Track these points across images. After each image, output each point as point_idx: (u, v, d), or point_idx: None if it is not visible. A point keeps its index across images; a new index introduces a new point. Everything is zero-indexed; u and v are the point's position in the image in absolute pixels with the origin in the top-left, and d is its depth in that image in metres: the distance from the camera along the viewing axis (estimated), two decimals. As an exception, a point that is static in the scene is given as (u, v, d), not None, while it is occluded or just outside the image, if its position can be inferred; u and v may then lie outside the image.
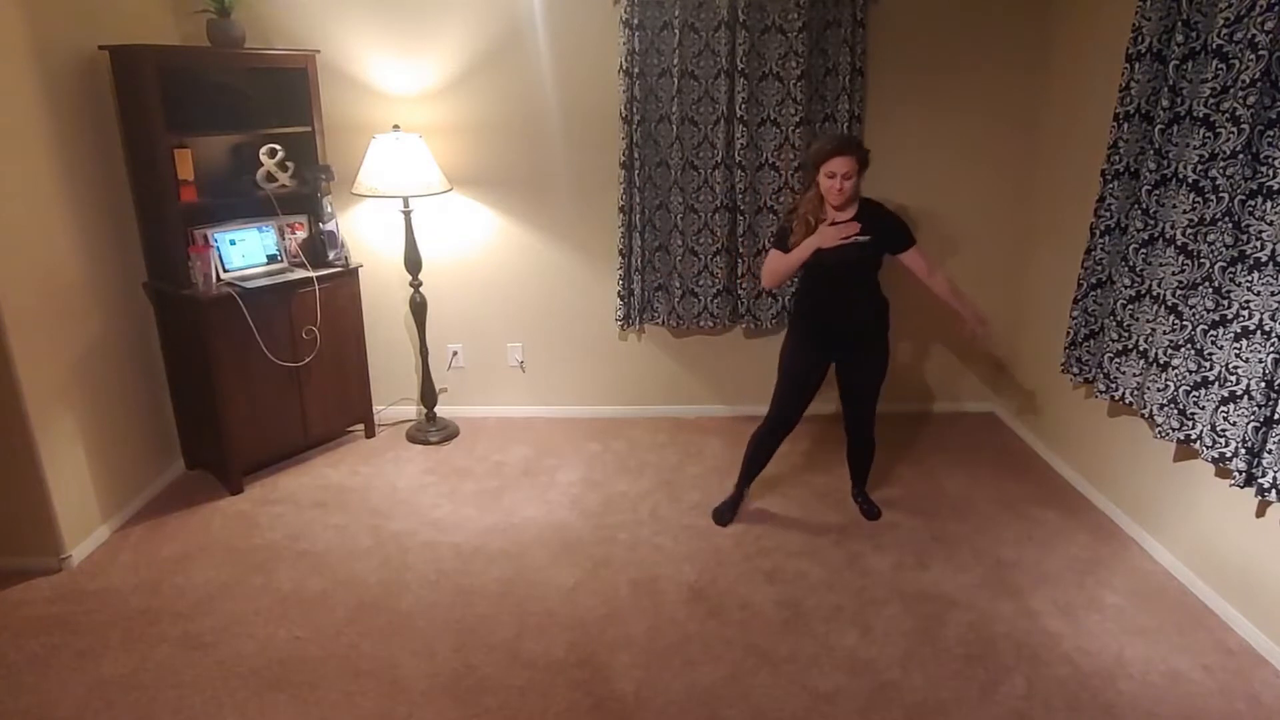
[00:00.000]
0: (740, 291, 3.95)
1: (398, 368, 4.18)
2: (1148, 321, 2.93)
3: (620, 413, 4.17)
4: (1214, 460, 2.59)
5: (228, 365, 3.35)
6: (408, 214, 3.71)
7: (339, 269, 3.66)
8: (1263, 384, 2.40)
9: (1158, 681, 2.43)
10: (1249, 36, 2.41)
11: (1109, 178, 3.06)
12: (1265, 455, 2.42)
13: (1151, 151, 2.83)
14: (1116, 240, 3.09)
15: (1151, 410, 2.88)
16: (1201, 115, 2.62)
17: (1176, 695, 2.38)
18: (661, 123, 3.75)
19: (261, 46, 3.57)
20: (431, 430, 4.02)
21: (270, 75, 3.54)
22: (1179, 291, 2.77)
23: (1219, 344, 2.58)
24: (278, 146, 3.51)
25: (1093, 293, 3.21)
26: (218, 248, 3.41)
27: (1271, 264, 2.39)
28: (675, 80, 3.64)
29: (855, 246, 2.82)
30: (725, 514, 3.26)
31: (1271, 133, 2.40)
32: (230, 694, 2.38)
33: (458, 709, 2.33)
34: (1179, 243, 2.75)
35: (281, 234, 3.62)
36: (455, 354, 4.20)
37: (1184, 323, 2.72)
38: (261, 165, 3.47)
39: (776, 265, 2.96)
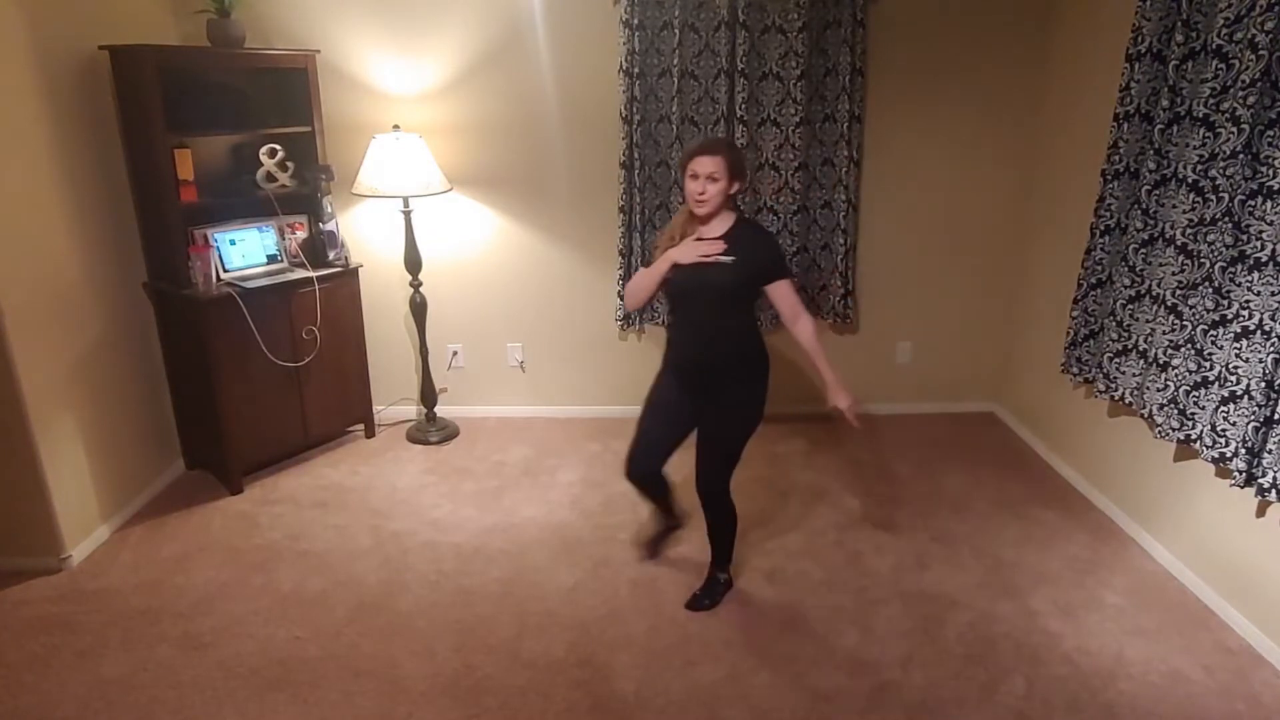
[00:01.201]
0: (740, 291, 3.94)
1: (398, 368, 4.18)
2: (1148, 321, 2.93)
3: (620, 413, 4.17)
4: (1214, 460, 2.59)
5: (228, 365, 3.34)
6: (408, 214, 3.71)
7: (339, 269, 3.66)
8: (1263, 384, 2.40)
9: (1158, 681, 2.43)
10: (1249, 36, 2.41)
11: (1109, 178, 3.06)
12: (1265, 455, 2.42)
13: (1151, 151, 2.83)
14: (1116, 240, 3.09)
15: (1151, 410, 2.88)
16: (1201, 115, 2.62)
17: (1176, 695, 2.38)
18: (661, 123, 3.75)
19: (261, 46, 3.57)
20: (431, 430, 4.02)
21: (270, 75, 3.54)
22: (1179, 291, 2.77)
23: (1219, 344, 2.58)
24: (278, 146, 3.51)
25: (1093, 293, 3.21)
26: (218, 248, 3.41)
27: (1271, 264, 2.39)
28: (675, 80, 3.64)
29: (715, 268, 2.43)
30: (651, 551, 2.99)
31: (1271, 133, 2.40)
32: (230, 694, 2.38)
33: (458, 709, 2.33)
34: (1179, 243, 2.75)
35: (281, 234, 3.62)
36: (455, 354, 4.20)
37: (1184, 323, 2.72)
38: (261, 165, 3.47)
39: (634, 281, 2.60)
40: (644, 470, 2.70)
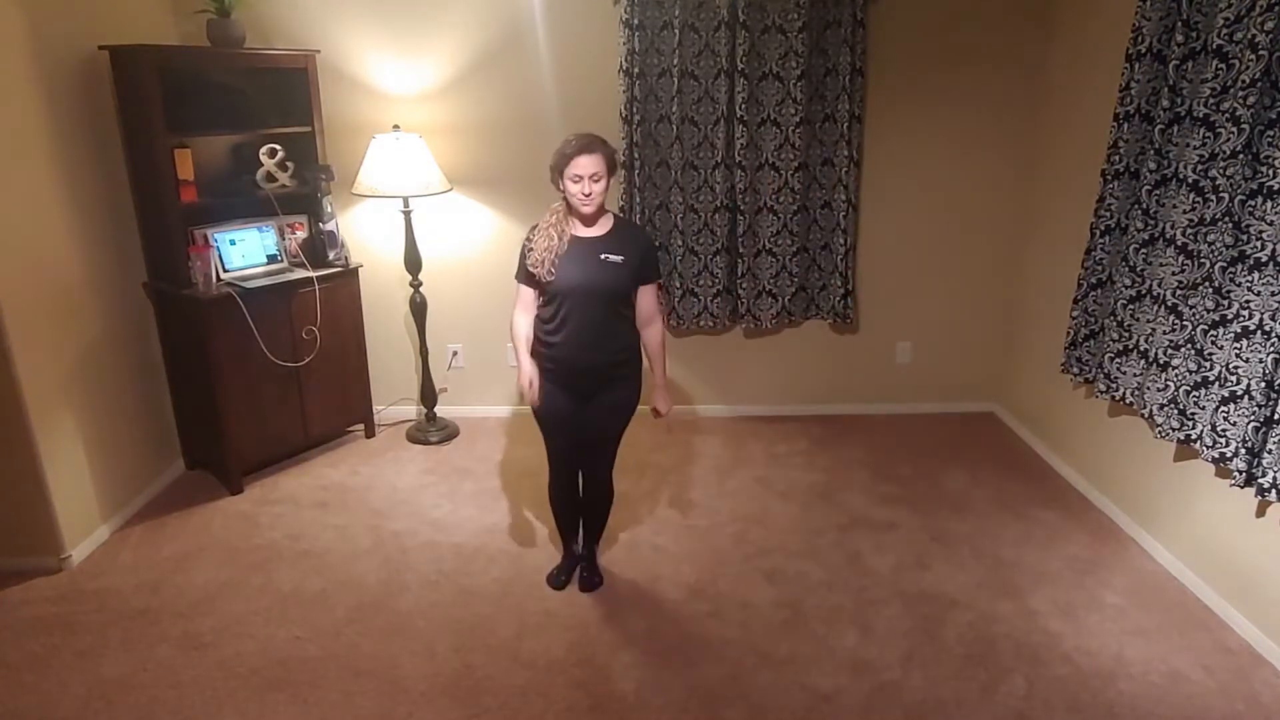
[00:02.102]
0: (740, 291, 3.94)
1: (398, 368, 4.18)
2: (1148, 321, 2.93)
3: (620, 413, 4.17)
4: (1214, 460, 2.59)
5: (228, 365, 3.34)
6: (408, 214, 3.71)
7: (339, 269, 3.66)
8: (1263, 384, 2.40)
9: (1158, 681, 2.43)
10: (1249, 36, 2.41)
11: (1109, 178, 3.06)
12: (1265, 455, 2.42)
13: (1151, 151, 2.83)
14: (1116, 240, 3.09)
15: (1151, 410, 2.88)
16: (1201, 115, 2.62)
17: (1176, 695, 2.38)
18: (661, 123, 3.75)
19: (261, 46, 3.57)
20: (431, 430, 4.02)
21: (270, 75, 3.54)
22: (1179, 291, 2.77)
23: (1219, 344, 2.58)
24: (278, 146, 3.51)
25: (1093, 293, 3.21)
26: (218, 248, 3.41)
27: (1271, 264, 2.39)
28: (675, 80, 3.64)
29: (607, 268, 2.46)
30: (560, 577, 2.87)
31: (1271, 133, 2.40)
32: (230, 694, 2.38)
33: (458, 709, 2.33)
34: (1179, 243, 2.75)
35: (281, 234, 3.62)
36: (455, 354, 4.20)
37: (1184, 323, 2.72)
38: (261, 165, 3.47)
39: (515, 335, 2.61)
40: (571, 482, 2.76)
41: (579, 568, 2.89)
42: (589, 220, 2.50)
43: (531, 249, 2.51)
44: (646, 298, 2.59)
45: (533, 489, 3.55)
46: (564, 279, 2.46)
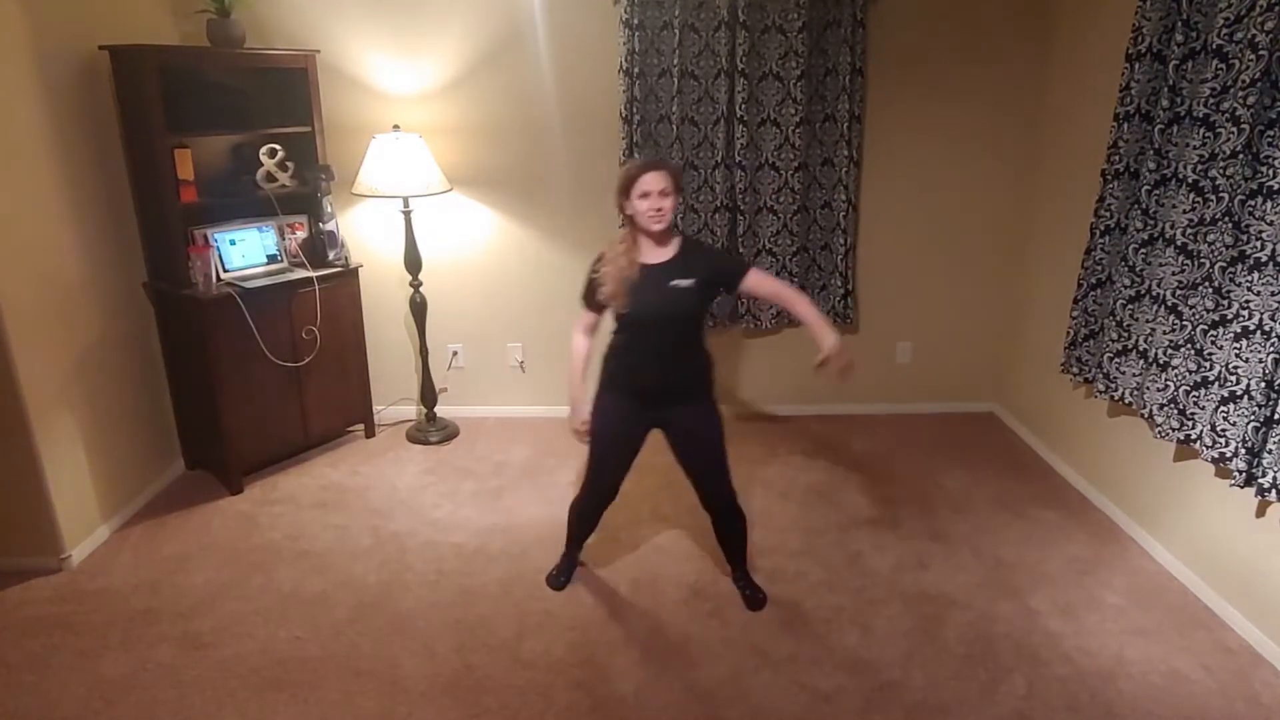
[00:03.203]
0: (740, 291, 3.94)
1: (398, 368, 4.18)
2: (1147, 321, 2.93)
3: (620, 413, 4.17)
4: (1214, 460, 2.59)
5: (228, 365, 3.34)
6: (408, 214, 3.71)
7: (339, 269, 3.66)
8: (1263, 384, 2.40)
9: (1158, 681, 2.43)
10: (1249, 36, 2.41)
11: (1109, 178, 3.06)
12: (1265, 455, 2.42)
13: (1151, 151, 2.83)
14: (1116, 240, 3.09)
15: (1151, 410, 2.88)
16: (1201, 115, 2.62)
17: (1176, 695, 2.38)
18: (661, 123, 3.75)
19: (261, 46, 3.57)
20: (431, 430, 4.02)
21: (270, 75, 3.54)
22: (1179, 291, 2.77)
23: (1219, 344, 2.58)
24: (278, 146, 3.51)
25: (1093, 293, 3.21)
26: (218, 248, 3.41)
27: (1271, 264, 2.39)
28: (675, 80, 3.64)
29: (676, 294, 2.41)
30: (559, 579, 2.87)
31: (1271, 133, 2.40)
32: (230, 694, 2.38)
33: (458, 709, 2.33)
34: (1179, 243, 2.75)
35: (281, 234, 3.62)
36: (455, 354, 4.20)
37: (1184, 323, 2.72)
38: (261, 165, 3.47)
39: (572, 357, 2.60)
40: (608, 499, 2.75)
41: (742, 587, 2.82)
42: (658, 241, 2.44)
43: (601, 281, 2.48)
44: (758, 286, 2.49)
45: (533, 489, 3.55)
46: (635, 309, 2.43)
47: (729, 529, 2.77)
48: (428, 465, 3.77)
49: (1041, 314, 3.87)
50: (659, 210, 2.36)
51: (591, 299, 2.56)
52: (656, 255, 2.46)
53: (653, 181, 2.35)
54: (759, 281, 2.50)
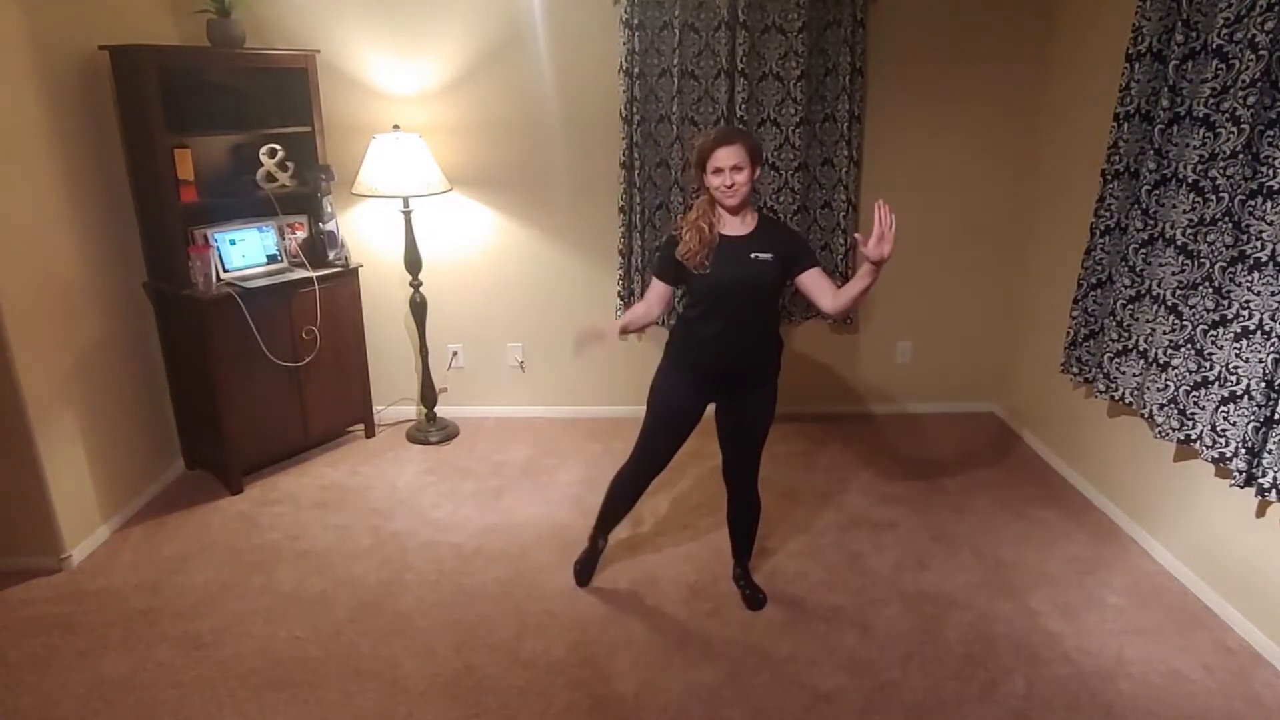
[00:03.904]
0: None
1: (398, 368, 4.18)
2: (1148, 321, 2.93)
3: (620, 413, 4.17)
4: (1214, 460, 2.59)
5: (228, 365, 3.34)
6: (408, 214, 3.71)
7: (339, 269, 3.66)
8: (1263, 384, 2.40)
9: (1158, 681, 2.43)
10: (1249, 36, 2.41)
11: (1109, 178, 3.06)
12: (1265, 455, 2.42)
13: (1151, 151, 2.83)
14: (1116, 240, 3.09)
15: (1151, 410, 2.88)
16: (1201, 115, 2.62)
17: (1176, 695, 2.38)
18: (661, 123, 3.75)
19: (261, 46, 3.57)
20: (431, 430, 4.02)
21: (270, 75, 3.54)
22: (1179, 291, 2.77)
23: (1219, 344, 2.58)
24: (278, 146, 3.51)
25: (1093, 293, 3.21)
26: (218, 248, 3.41)
27: (1271, 264, 2.39)
28: (675, 80, 3.64)
29: (757, 267, 2.39)
30: (584, 574, 2.86)
31: (1271, 133, 2.40)
32: (230, 694, 2.38)
33: (458, 709, 2.33)
34: (1179, 243, 2.75)
35: (281, 234, 3.62)
36: (455, 354, 4.20)
37: (1184, 323, 2.72)
38: (261, 165, 3.47)
39: (638, 313, 2.52)
40: (655, 472, 2.68)
41: (742, 586, 2.82)
42: (735, 213, 2.42)
43: (681, 241, 2.43)
44: (814, 284, 2.44)
45: (533, 489, 3.55)
46: (716, 277, 2.40)
47: (743, 514, 2.77)
48: (428, 465, 3.77)
49: (1041, 314, 3.87)
50: (730, 186, 2.34)
51: (667, 265, 2.48)
52: (735, 228, 2.43)
53: (725, 157, 2.33)
54: (815, 280, 2.44)
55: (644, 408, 2.63)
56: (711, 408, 2.60)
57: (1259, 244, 2.43)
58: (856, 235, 2.33)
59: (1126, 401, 3.06)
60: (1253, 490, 2.49)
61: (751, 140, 2.41)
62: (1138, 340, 2.98)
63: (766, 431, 2.62)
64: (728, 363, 2.49)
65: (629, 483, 2.73)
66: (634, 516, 3.30)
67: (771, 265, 2.40)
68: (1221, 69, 2.54)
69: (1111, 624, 2.68)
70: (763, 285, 2.43)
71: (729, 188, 2.35)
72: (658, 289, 2.54)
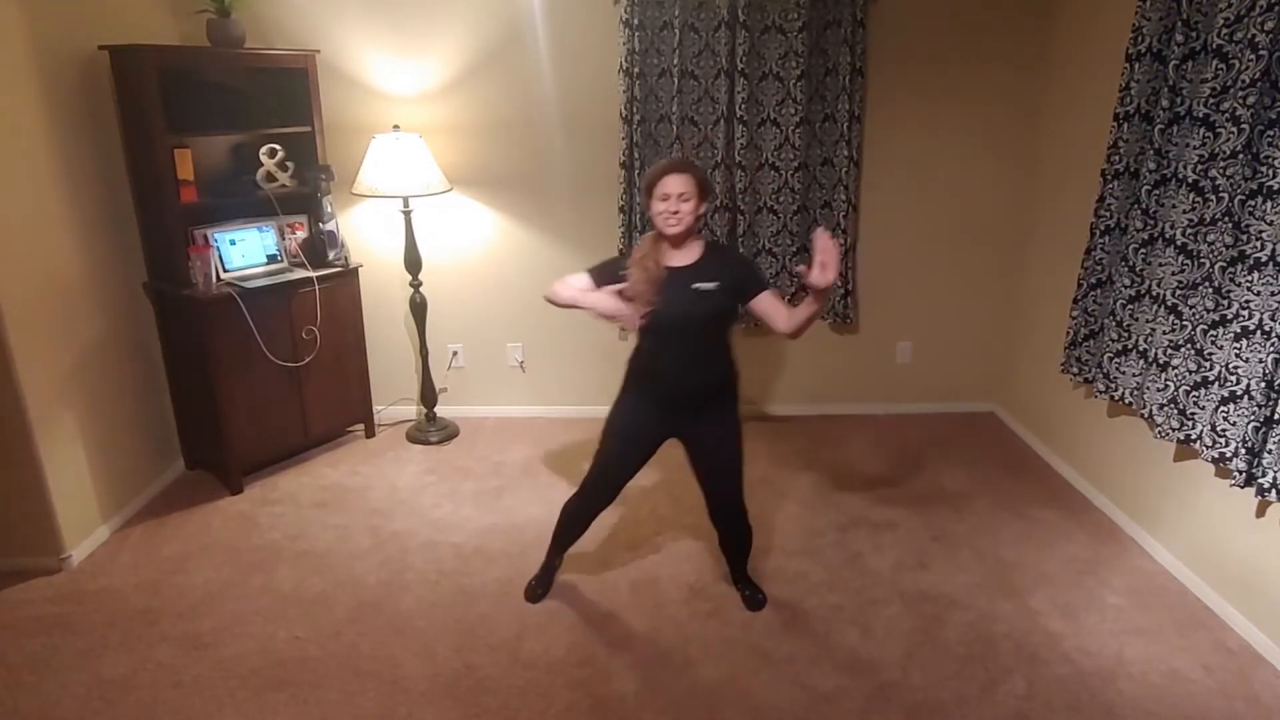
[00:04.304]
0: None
1: (398, 368, 4.18)
2: (1148, 321, 2.93)
3: (620, 413, 4.17)
4: (1214, 460, 2.59)
5: (228, 365, 3.34)
6: (408, 214, 3.71)
7: (339, 269, 3.66)
8: (1263, 384, 2.40)
9: (1158, 681, 2.43)
10: (1249, 36, 2.41)
11: (1109, 178, 3.06)
12: (1265, 455, 2.42)
13: (1151, 151, 2.83)
14: (1116, 240, 3.09)
15: (1151, 410, 2.88)
16: (1201, 115, 2.62)
17: (1176, 695, 2.38)
18: (661, 123, 3.75)
19: (261, 46, 3.57)
20: (431, 430, 4.02)
21: (270, 75, 3.54)
22: (1179, 291, 2.77)
23: (1219, 344, 2.58)
24: (278, 146, 3.51)
25: (1093, 293, 3.21)
26: (218, 248, 3.41)
27: (1271, 264, 2.39)
28: (675, 80, 3.64)
29: (698, 296, 2.36)
30: (537, 590, 2.81)
31: (1271, 133, 2.40)
32: (230, 694, 2.38)
33: (458, 709, 2.33)
34: (1179, 243, 2.75)
35: (281, 234, 3.62)
36: (455, 354, 4.20)
37: (1184, 323, 2.72)
38: (261, 165, 3.47)
39: (564, 290, 2.46)
40: (606, 501, 2.66)
41: (742, 588, 2.81)
42: (678, 243, 2.40)
43: (627, 276, 2.41)
44: (768, 307, 2.43)
45: (532, 489, 3.55)
46: (661, 311, 2.38)
47: (735, 542, 2.76)
48: (428, 465, 3.77)
49: (1041, 314, 3.87)
50: (675, 214, 2.33)
51: (603, 274, 2.46)
52: (679, 259, 2.42)
53: (673, 184, 2.32)
54: (771, 305, 2.43)
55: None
56: (683, 453, 2.59)
57: (1259, 244, 2.43)
58: (800, 268, 2.34)
59: (1126, 401, 3.06)
60: (1253, 490, 2.49)
61: (703, 174, 2.40)
62: (1138, 340, 2.98)
63: (740, 456, 2.59)
64: (683, 390, 2.48)
65: (579, 513, 2.70)
66: (635, 516, 3.30)
67: (716, 294, 2.38)
68: (1221, 69, 2.54)
69: (1111, 624, 2.68)
70: (708, 315, 2.40)
71: (673, 214, 2.33)
72: (583, 281, 2.48)
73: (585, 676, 2.46)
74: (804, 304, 2.32)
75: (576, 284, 2.48)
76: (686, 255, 2.42)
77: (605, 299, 2.41)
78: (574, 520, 2.73)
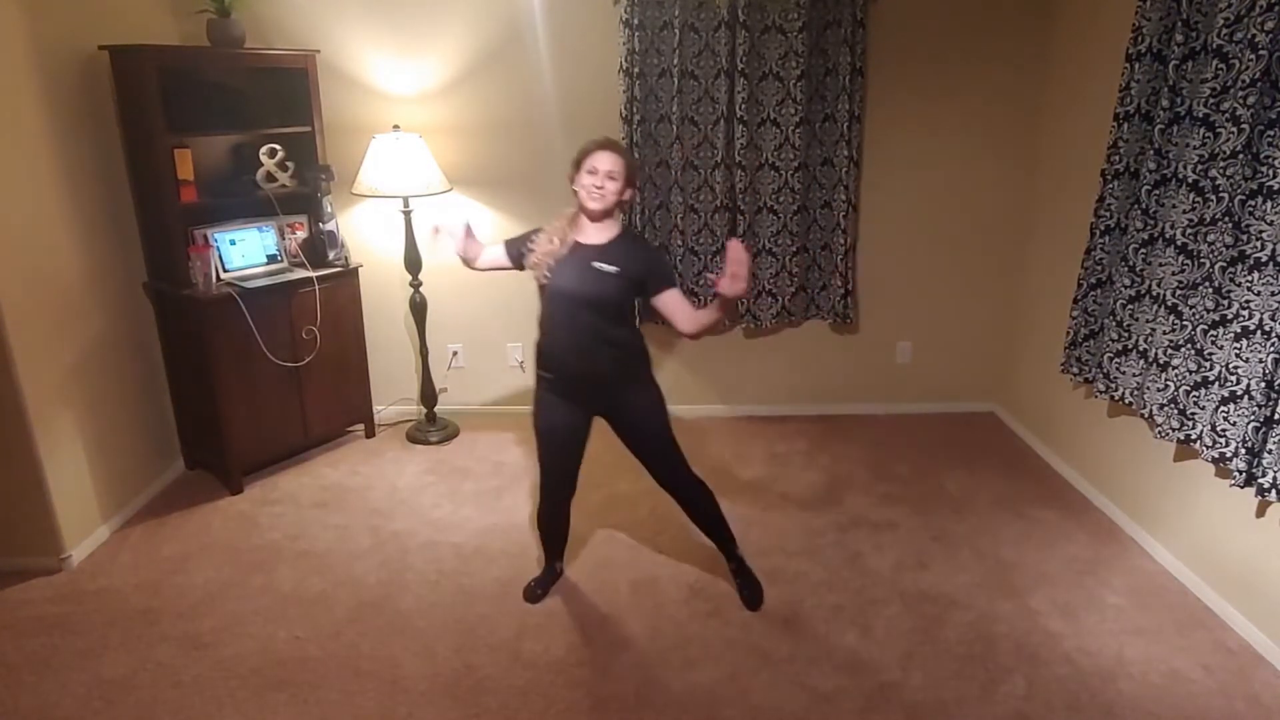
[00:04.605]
0: (740, 291, 3.94)
1: (398, 368, 4.18)
2: (1148, 321, 2.93)
3: (620, 413, 4.17)
4: (1214, 460, 2.59)
5: (228, 365, 3.34)
6: (408, 214, 3.71)
7: (339, 269, 3.66)
8: (1263, 384, 2.40)
9: (1158, 681, 2.43)
10: (1249, 36, 2.41)
11: (1109, 178, 3.06)
12: (1265, 455, 2.42)
13: (1151, 151, 2.83)
14: (1116, 240, 3.09)
15: (1151, 410, 2.88)
16: (1201, 115, 2.62)
17: (1176, 695, 2.38)
18: (661, 123, 3.75)
19: (261, 46, 3.57)
20: (431, 430, 4.02)
21: (270, 75, 3.54)
22: (1179, 291, 2.77)
23: (1219, 344, 2.58)
24: (278, 146, 3.51)
25: (1093, 293, 3.21)
26: (218, 248, 3.41)
27: (1271, 264, 2.39)
28: (675, 80, 3.64)
29: (595, 276, 2.39)
30: (536, 590, 2.81)
31: (1271, 133, 2.40)
32: (230, 694, 2.38)
33: (458, 709, 2.33)
34: (1179, 243, 2.75)
35: (281, 234, 3.62)
36: (455, 354, 4.20)
37: (1184, 323, 2.72)
38: (261, 165, 3.47)
39: (482, 252, 2.63)
40: (565, 494, 2.71)
41: (739, 579, 2.82)
42: (595, 220, 2.44)
43: (533, 247, 2.50)
44: (671, 306, 2.44)
45: (532, 489, 3.55)
46: (554, 282, 2.44)
47: (692, 507, 2.75)
48: (428, 465, 3.77)
49: (1041, 314, 3.87)
50: (600, 189, 2.37)
51: (514, 246, 2.57)
52: (591, 237, 2.46)
53: (601, 160, 2.37)
54: (674, 304, 2.44)
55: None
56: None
57: (1259, 244, 2.43)
58: (710, 274, 2.35)
59: (1126, 401, 3.06)
60: (1253, 490, 2.49)
61: (634, 162, 2.46)
62: (1138, 340, 2.98)
63: (663, 426, 2.60)
64: (576, 370, 2.50)
65: (548, 511, 2.76)
66: (634, 516, 3.30)
67: (614, 279, 2.40)
68: (1221, 69, 2.54)
69: (1111, 624, 2.68)
70: (598, 296, 2.40)
71: (597, 189, 2.37)
72: (497, 249, 2.62)
73: (585, 676, 2.46)
74: (709, 308, 2.36)
75: (490, 250, 2.62)
76: (598, 235, 2.46)
77: (459, 241, 2.57)
78: (548, 521, 2.79)
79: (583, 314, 2.42)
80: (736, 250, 2.17)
